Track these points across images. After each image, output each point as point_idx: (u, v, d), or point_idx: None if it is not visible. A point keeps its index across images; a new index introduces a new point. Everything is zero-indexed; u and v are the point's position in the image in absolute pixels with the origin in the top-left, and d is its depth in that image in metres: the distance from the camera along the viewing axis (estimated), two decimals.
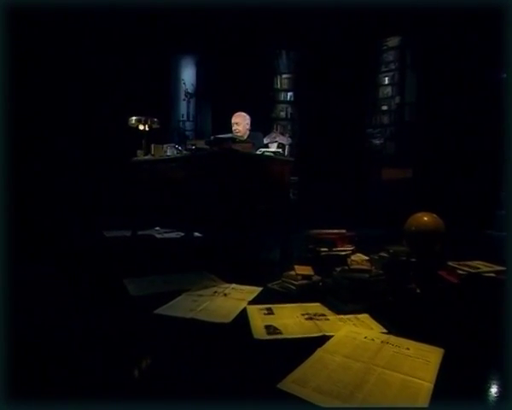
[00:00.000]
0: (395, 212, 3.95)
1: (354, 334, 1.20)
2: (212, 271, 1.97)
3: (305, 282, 1.66)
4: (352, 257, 1.88)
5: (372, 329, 1.25)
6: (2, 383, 0.88)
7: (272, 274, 1.85)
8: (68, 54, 3.96)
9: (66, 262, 2.29)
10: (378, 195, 4.53)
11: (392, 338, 1.15)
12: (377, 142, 4.77)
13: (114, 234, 3.29)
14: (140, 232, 3.18)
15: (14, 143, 1.31)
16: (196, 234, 3.29)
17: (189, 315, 1.35)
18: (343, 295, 1.47)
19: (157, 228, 3.67)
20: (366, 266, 1.57)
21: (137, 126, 2.86)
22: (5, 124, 1.24)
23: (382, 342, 1.13)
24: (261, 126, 3.42)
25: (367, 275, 1.49)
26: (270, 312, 1.41)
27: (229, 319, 1.34)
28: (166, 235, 3.42)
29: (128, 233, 3.10)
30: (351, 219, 3.93)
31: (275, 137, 3.13)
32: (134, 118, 2.86)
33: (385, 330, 1.23)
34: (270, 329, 1.25)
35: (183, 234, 3.37)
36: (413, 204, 3.85)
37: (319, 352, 1.07)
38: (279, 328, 1.26)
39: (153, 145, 2.70)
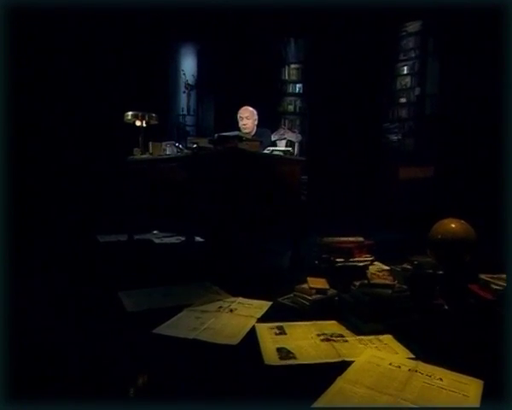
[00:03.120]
0: (414, 215, 3.89)
1: (377, 359, 1.15)
2: (216, 281, 1.94)
3: (319, 296, 1.61)
4: (371, 269, 1.83)
5: (397, 353, 1.20)
6: (2, 383, 0.92)
7: (282, 286, 1.81)
8: (58, 43, 3.94)
9: (55, 270, 2.26)
10: (395, 196, 4.46)
11: (421, 365, 1.10)
12: (395, 138, 4.69)
13: (109, 239, 3.27)
14: (137, 237, 3.16)
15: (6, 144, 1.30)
16: (198, 238, 3.27)
17: (192, 335, 1.31)
18: (363, 312, 1.42)
19: (155, 232, 3.64)
20: (388, 281, 1.51)
21: (134, 122, 2.84)
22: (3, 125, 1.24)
23: (410, 370, 1.08)
24: (267, 121, 3.37)
25: (390, 291, 1.43)
26: (281, 331, 1.37)
27: (236, 340, 1.29)
28: (166, 239, 3.39)
29: (124, 238, 3.08)
30: (366, 222, 3.88)
31: (283, 134, 3.08)
32: (130, 113, 2.83)
33: (412, 356, 1.18)
34: (282, 352, 1.20)
35: (183, 238, 3.34)
36: (434, 207, 3.79)
37: (339, 382, 1.02)
38: (293, 351, 1.21)
39: (151, 143, 2.67)
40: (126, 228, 3.06)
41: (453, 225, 1.80)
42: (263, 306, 1.62)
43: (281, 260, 2.61)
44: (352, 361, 1.13)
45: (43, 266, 2.35)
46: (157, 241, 3.32)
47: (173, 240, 3.38)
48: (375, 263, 2.03)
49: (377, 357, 1.17)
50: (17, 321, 1.37)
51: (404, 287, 1.51)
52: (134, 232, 3.08)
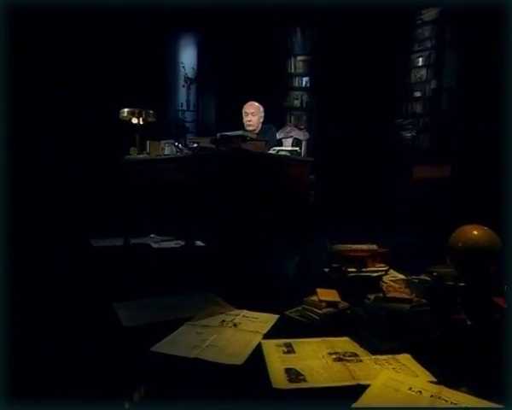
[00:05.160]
0: (429, 218, 3.83)
1: (396, 383, 1.11)
2: (218, 291, 1.91)
3: (330, 310, 1.58)
4: (386, 279, 1.78)
5: (417, 376, 1.16)
6: (2, 383, 0.95)
7: (289, 297, 1.78)
8: (55, 38, 3.92)
9: (46, 277, 2.24)
10: (409, 197, 4.40)
11: (445, 391, 1.06)
12: (408, 134, 4.64)
13: (103, 243, 3.25)
14: (133, 241, 3.14)
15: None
16: (198, 242, 3.24)
17: (193, 354, 1.28)
18: (378, 329, 1.38)
19: (152, 235, 3.62)
20: (405, 294, 1.47)
21: (130, 120, 2.81)
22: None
23: (432, 396, 1.04)
24: (272, 117, 3.33)
25: (408, 306, 1.39)
26: (290, 349, 1.33)
27: (241, 359, 1.26)
28: (164, 244, 3.36)
29: (119, 242, 3.06)
30: (377, 225, 3.83)
31: (289, 132, 3.05)
32: (126, 110, 2.81)
33: (433, 379, 1.14)
34: (291, 374, 1.17)
35: (182, 243, 3.32)
36: (451, 210, 3.73)
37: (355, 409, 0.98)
38: (303, 373, 1.17)
39: (148, 142, 2.65)
40: (122, 231, 3.04)
41: (475, 232, 1.75)
42: (269, 319, 1.59)
43: (287, 266, 2.58)
44: (368, 385, 1.10)
45: (34, 272, 2.33)
46: (155, 245, 3.30)
47: (172, 244, 3.36)
48: (390, 272, 1.99)
49: (395, 380, 1.13)
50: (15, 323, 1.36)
51: (423, 301, 1.47)
52: (130, 236, 3.06)
